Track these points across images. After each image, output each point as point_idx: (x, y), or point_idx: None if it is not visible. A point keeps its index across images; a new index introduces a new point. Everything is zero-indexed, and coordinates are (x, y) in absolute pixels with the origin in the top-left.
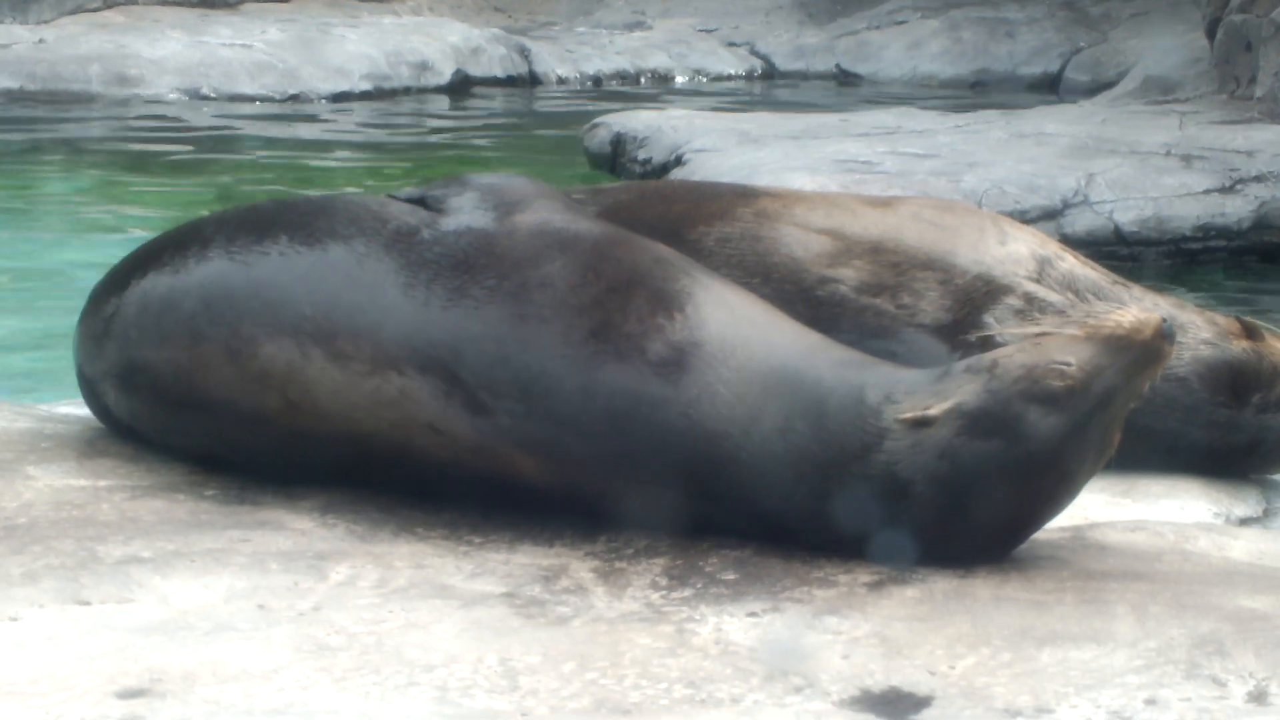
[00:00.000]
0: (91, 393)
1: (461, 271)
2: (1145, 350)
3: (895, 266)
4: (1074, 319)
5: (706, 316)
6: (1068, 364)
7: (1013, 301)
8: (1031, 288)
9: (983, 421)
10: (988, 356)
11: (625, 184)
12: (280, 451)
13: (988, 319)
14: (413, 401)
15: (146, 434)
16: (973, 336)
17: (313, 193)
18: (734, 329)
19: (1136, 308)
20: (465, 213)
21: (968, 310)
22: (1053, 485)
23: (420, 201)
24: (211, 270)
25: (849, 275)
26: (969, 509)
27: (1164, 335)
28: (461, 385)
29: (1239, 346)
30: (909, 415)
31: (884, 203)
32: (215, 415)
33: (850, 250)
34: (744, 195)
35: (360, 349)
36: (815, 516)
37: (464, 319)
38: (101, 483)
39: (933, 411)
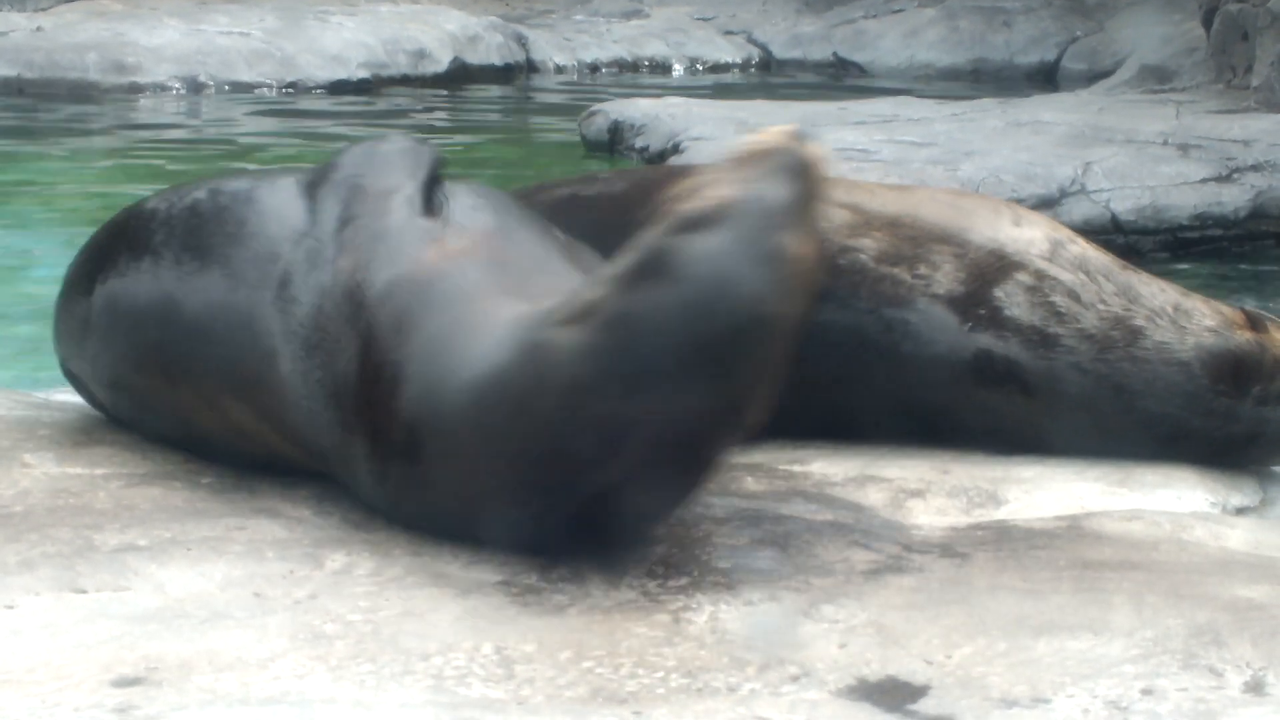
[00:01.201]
0: (80, 386)
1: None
2: (782, 155)
3: (913, 239)
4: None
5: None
6: (708, 189)
7: (1024, 278)
8: (1043, 265)
9: (638, 273)
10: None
11: (649, 165)
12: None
13: (998, 293)
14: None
15: (138, 426)
16: (983, 312)
17: None
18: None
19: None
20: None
21: (980, 284)
22: (742, 317)
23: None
24: (164, 296)
25: (869, 245)
26: (660, 375)
27: (795, 136)
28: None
29: (1242, 337)
30: (565, 312)
31: (900, 188)
32: (189, 425)
33: (870, 223)
34: None
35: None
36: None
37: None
38: (98, 471)
39: (589, 297)
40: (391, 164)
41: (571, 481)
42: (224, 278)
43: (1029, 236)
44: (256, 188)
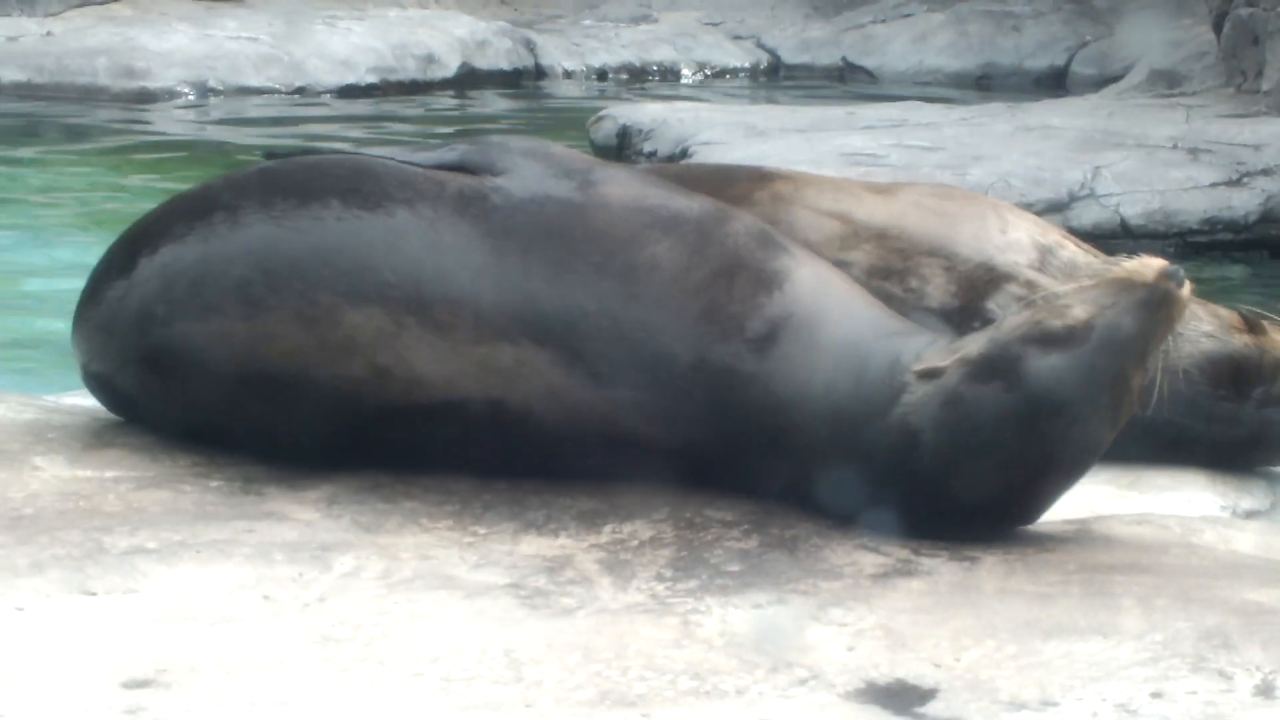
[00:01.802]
0: (105, 386)
1: (559, 245)
2: (1150, 290)
3: (901, 252)
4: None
5: (799, 292)
6: (1068, 306)
7: (1014, 289)
8: (1033, 275)
9: (984, 366)
10: (1003, 316)
11: (646, 167)
12: (345, 424)
13: (990, 305)
14: (531, 370)
15: (172, 417)
16: (977, 324)
17: None
18: (819, 303)
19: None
20: (534, 180)
21: (972, 297)
22: (1060, 433)
23: (456, 167)
24: (255, 235)
25: (860, 259)
26: (975, 457)
27: (1169, 275)
28: (583, 358)
29: (1241, 340)
30: (921, 367)
31: (885, 189)
32: (280, 387)
33: (858, 234)
34: (760, 179)
35: (460, 318)
36: (844, 472)
37: (575, 295)
38: (108, 474)
39: (942, 363)
40: (559, 149)
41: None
42: (345, 205)
43: (1017, 244)
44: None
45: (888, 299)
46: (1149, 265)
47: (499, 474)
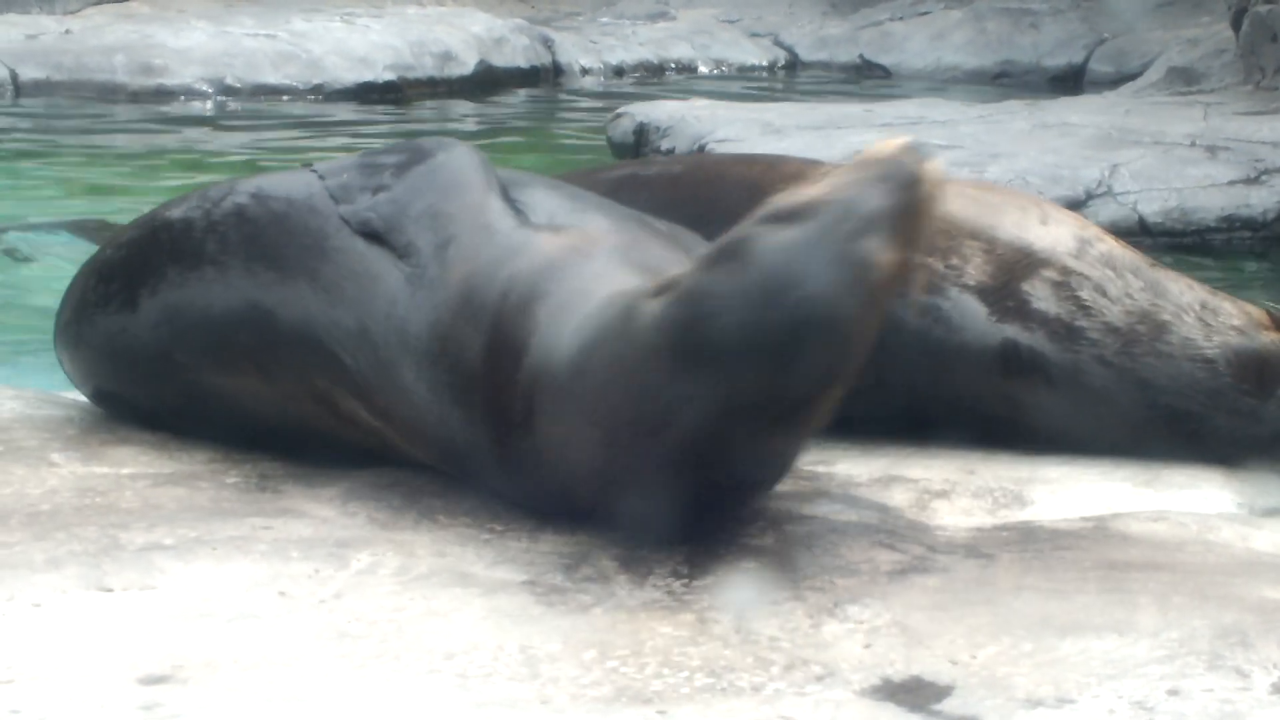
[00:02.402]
0: (119, 401)
1: (424, 341)
2: (890, 165)
3: (945, 233)
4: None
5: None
6: (806, 188)
7: (1050, 274)
8: (1070, 262)
9: (716, 255)
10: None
11: (671, 158)
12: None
13: (1025, 287)
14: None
15: (194, 429)
16: (1010, 303)
17: None
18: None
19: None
20: (422, 263)
21: (1008, 279)
22: (804, 311)
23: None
24: (246, 299)
25: None
26: (714, 347)
27: (909, 149)
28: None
29: (1269, 338)
30: (655, 284)
31: None
32: (306, 435)
33: None
34: (812, 163)
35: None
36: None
37: (422, 404)
38: (124, 470)
39: (675, 272)
40: (459, 182)
41: (657, 452)
42: (317, 290)
43: (1056, 234)
44: (310, 196)
45: (928, 273)
46: (889, 143)
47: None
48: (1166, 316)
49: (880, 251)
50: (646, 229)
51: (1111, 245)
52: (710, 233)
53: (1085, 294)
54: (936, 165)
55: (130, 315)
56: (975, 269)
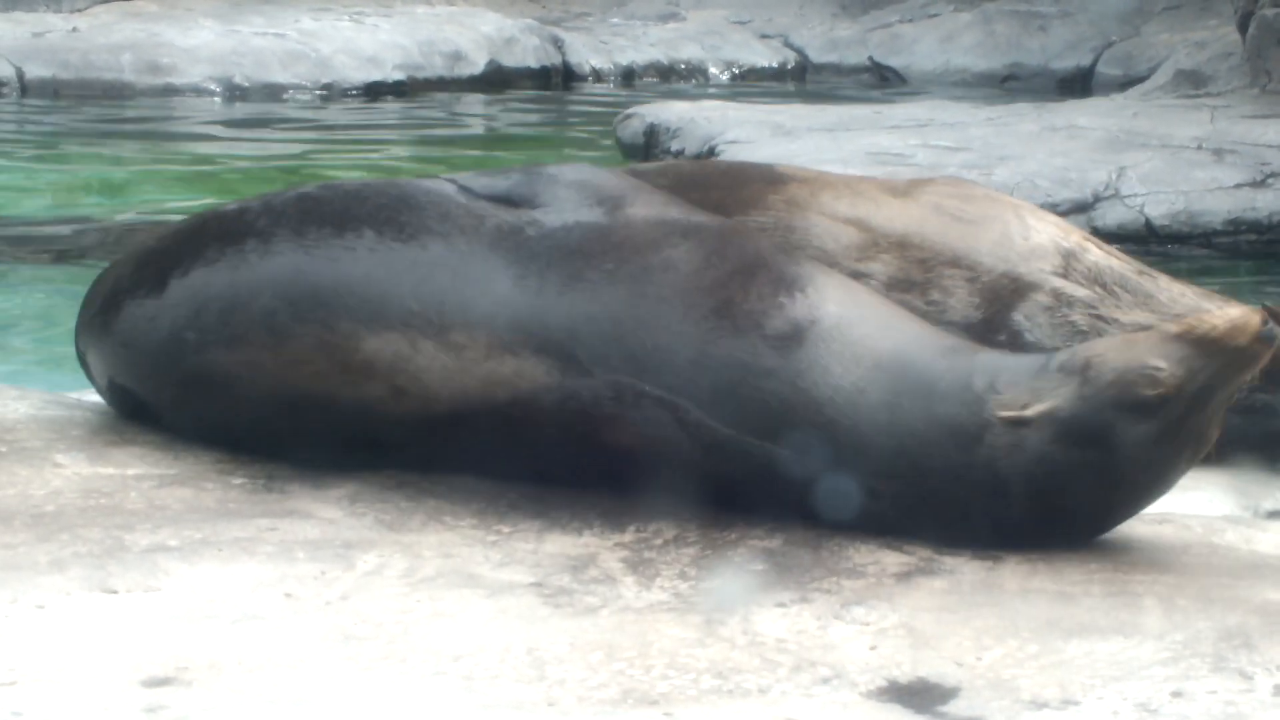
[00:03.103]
0: (130, 398)
1: (576, 259)
2: (1241, 354)
3: (923, 263)
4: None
5: (826, 298)
6: (1159, 369)
7: (1041, 298)
8: (1058, 283)
9: (1076, 429)
10: (1081, 354)
11: (659, 166)
12: (365, 438)
13: (1017, 317)
14: (529, 379)
15: (199, 431)
16: (1003, 337)
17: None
18: (851, 310)
19: (1237, 308)
20: (570, 209)
21: (997, 308)
22: (1146, 485)
23: (504, 198)
24: (284, 264)
25: (879, 270)
26: (1062, 509)
27: (1262, 339)
28: (576, 360)
29: None
30: (1008, 414)
31: (904, 190)
32: (305, 409)
33: (877, 244)
34: (774, 182)
35: (474, 339)
36: (909, 493)
37: (580, 300)
38: (129, 471)
39: (1029, 413)
40: (594, 176)
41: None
42: (385, 236)
43: (1040, 251)
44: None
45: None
46: (1245, 327)
47: (513, 480)
48: None
49: (1215, 428)
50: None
51: (1097, 255)
52: None
53: (1079, 317)
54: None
55: (157, 299)
56: (959, 302)
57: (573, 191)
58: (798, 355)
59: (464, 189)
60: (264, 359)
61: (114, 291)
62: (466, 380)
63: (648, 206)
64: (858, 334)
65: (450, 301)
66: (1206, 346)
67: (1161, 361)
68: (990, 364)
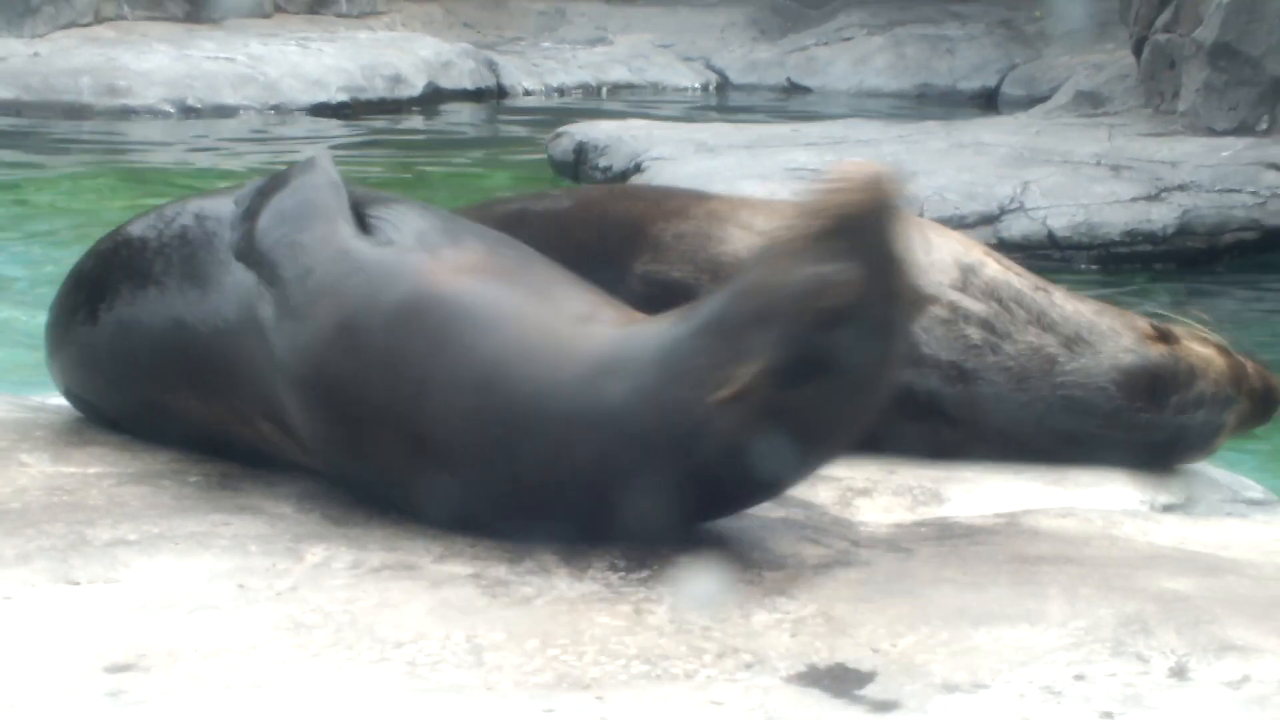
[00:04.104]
0: (91, 409)
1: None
2: (881, 206)
3: None
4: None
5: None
6: (828, 271)
7: (938, 311)
8: (955, 297)
9: (799, 369)
10: (742, 301)
11: (595, 185)
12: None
13: (914, 328)
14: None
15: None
16: None
17: None
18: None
19: (840, 181)
20: (286, 295)
21: None
22: (886, 379)
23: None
24: (177, 322)
25: None
26: (822, 433)
27: (884, 178)
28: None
29: (1156, 351)
30: (722, 395)
31: None
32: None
33: None
34: (699, 197)
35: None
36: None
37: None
38: (91, 470)
39: (743, 382)
40: (310, 207)
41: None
42: (220, 317)
43: (940, 265)
44: (217, 227)
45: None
46: (861, 183)
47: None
48: (1055, 350)
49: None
50: (520, 250)
51: (995, 271)
52: (590, 270)
53: (974, 333)
54: (894, 177)
55: (93, 328)
56: None
57: (281, 264)
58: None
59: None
60: (198, 409)
61: (60, 307)
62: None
63: (332, 294)
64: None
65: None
66: (847, 221)
67: (825, 265)
68: (654, 347)
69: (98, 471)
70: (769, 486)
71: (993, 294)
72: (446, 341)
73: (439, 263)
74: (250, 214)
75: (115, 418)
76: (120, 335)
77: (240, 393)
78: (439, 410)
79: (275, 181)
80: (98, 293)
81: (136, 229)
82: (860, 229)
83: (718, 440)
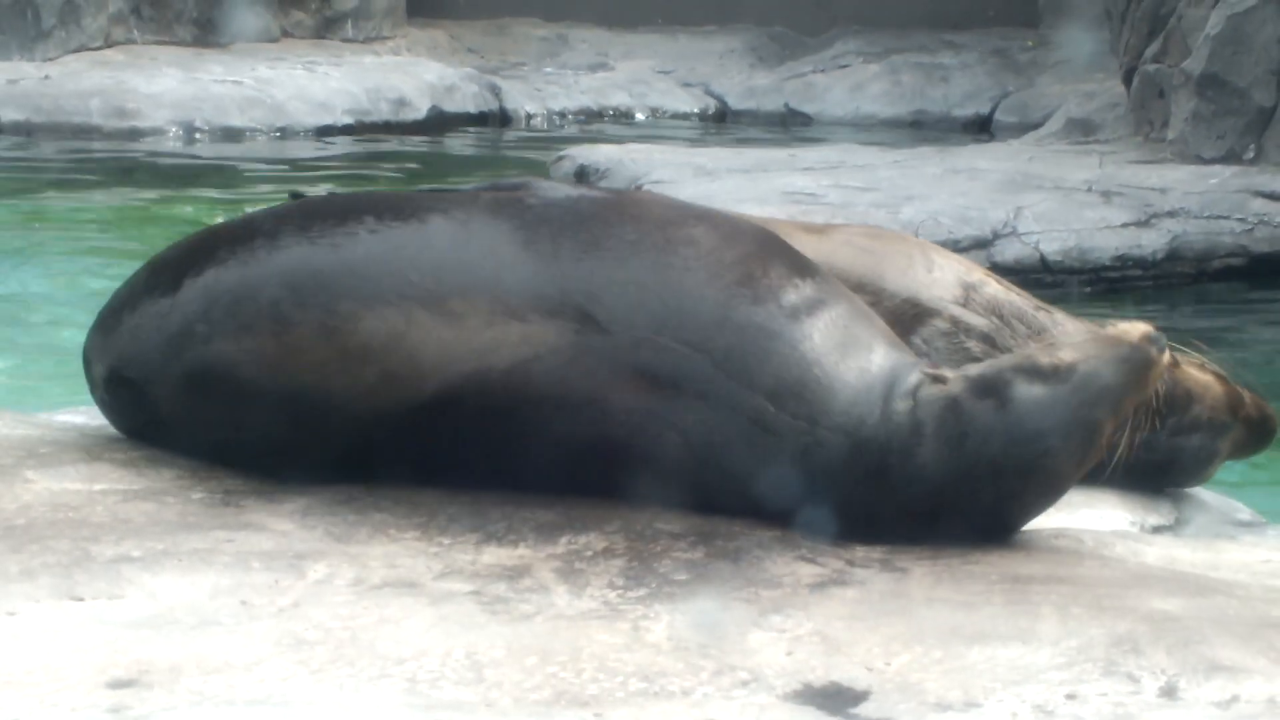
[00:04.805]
0: (134, 395)
1: (592, 225)
2: (1133, 350)
3: None
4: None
5: (834, 288)
6: (1059, 350)
7: (940, 324)
8: (957, 311)
9: (981, 384)
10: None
11: None
12: (360, 436)
13: (916, 340)
14: (533, 344)
15: (191, 433)
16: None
17: None
18: (851, 303)
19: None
20: (569, 189)
21: (898, 331)
22: (1033, 459)
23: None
24: (291, 256)
25: None
26: (964, 461)
27: (1151, 340)
28: (595, 321)
29: None
30: (931, 370)
31: (820, 229)
32: (304, 401)
33: None
34: None
35: (475, 305)
36: (855, 438)
37: (603, 268)
38: (96, 486)
39: (947, 373)
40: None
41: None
42: (377, 218)
43: (942, 281)
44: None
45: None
46: (1135, 327)
47: (500, 477)
48: None
49: (1108, 426)
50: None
51: (996, 289)
52: None
53: (974, 345)
54: (1168, 357)
55: (170, 297)
56: None
57: (565, 183)
58: (804, 323)
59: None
60: (268, 347)
61: (129, 293)
62: (463, 352)
63: (649, 195)
64: (848, 320)
65: (448, 269)
66: (1101, 339)
67: (1063, 346)
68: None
69: (102, 488)
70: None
71: (994, 310)
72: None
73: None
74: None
75: (151, 400)
76: (202, 291)
77: (366, 286)
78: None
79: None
80: (183, 267)
81: (234, 220)
82: (1109, 345)
83: (908, 404)
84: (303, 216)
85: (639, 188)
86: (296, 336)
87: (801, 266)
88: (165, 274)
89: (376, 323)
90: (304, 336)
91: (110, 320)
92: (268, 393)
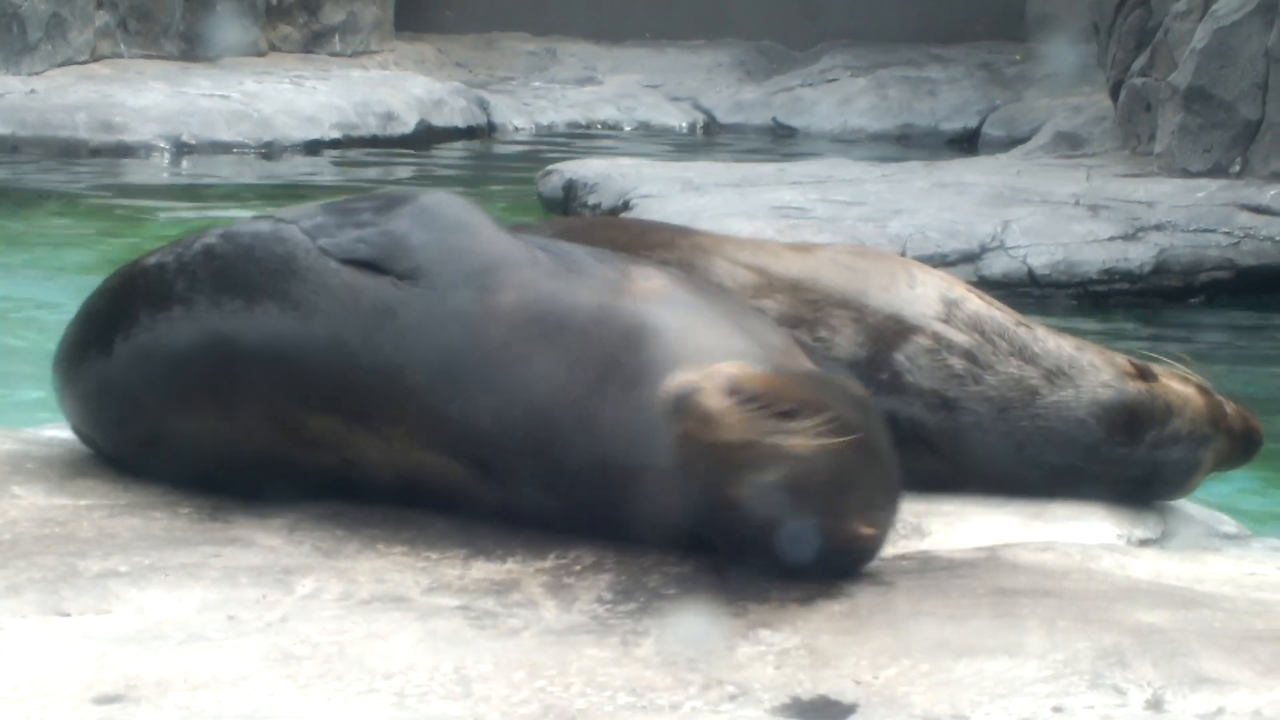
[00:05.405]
0: (96, 447)
1: (459, 366)
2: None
3: (813, 304)
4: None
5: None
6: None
7: (922, 341)
8: (940, 328)
9: None
10: None
11: (580, 217)
12: (323, 488)
13: (899, 357)
14: (454, 477)
15: (163, 476)
16: (884, 376)
17: None
18: None
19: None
20: (436, 297)
21: (880, 347)
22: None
23: (368, 263)
24: (212, 335)
25: (771, 307)
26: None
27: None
28: (489, 469)
29: (1134, 387)
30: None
31: (804, 248)
32: (262, 466)
33: (772, 285)
34: (683, 231)
35: (394, 430)
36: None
37: (474, 413)
38: (82, 501)
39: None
40: (464, 220)
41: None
42: (285, 309)
43: (924, 298)
44: (276, 230)
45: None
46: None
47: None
48: (1036, 382)
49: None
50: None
51: (978, 305)
52: None
53: (957, 363)
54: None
55: (106, 360)
56: (845, 340)
57: (435, 264)
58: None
59: (323, 251)
60: (221, 427)
61: (69, 343)
62: (404, 464)
63: (514, 291)
64: None
65: (359, 386)
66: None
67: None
68: None
69: (89, 503)
70: None
71: (976, 326)
72: (641, 347)
73: (631, 281)
74: (364, 224)
75: (117, 456)
76: (136, 362)
77: (289, 387)
78: (614, 411)
79: (389, 201)
80: (111, 325)
81: (152, 260)
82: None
83: None
84: (213, 284)
85: (626, 203)
86: (244, 419)
87: (636, 377)
88: (95, 330)
89: (322, 425)
90: (252, 420)
91: (63, 373)
92: (225, 459)
